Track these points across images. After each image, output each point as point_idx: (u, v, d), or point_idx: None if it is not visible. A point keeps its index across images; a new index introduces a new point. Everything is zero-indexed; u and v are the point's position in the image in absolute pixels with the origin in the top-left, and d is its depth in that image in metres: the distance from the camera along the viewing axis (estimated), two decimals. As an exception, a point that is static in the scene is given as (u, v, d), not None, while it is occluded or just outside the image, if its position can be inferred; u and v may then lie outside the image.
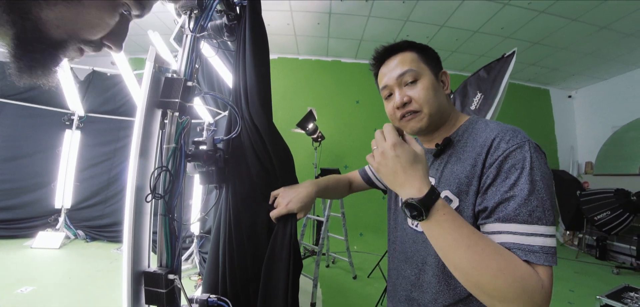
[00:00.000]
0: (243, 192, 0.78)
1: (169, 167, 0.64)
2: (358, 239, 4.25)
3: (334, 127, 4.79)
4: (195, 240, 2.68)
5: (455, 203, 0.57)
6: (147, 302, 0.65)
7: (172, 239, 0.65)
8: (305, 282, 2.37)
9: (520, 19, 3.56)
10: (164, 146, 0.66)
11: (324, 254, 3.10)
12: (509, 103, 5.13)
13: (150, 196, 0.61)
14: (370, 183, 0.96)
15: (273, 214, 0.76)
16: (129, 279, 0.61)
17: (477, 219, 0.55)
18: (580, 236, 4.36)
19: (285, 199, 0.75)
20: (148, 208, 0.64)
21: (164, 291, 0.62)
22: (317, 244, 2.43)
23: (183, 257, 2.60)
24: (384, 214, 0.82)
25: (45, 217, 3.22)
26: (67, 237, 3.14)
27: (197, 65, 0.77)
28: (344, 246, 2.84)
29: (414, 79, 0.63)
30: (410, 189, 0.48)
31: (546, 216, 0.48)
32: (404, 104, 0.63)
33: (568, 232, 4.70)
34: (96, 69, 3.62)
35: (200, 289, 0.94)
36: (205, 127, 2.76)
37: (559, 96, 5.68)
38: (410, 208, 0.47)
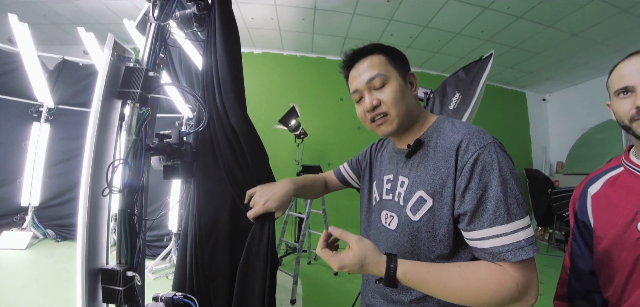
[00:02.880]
0: (207, 187, 0.76)
1: (129, 160, 0.62)
2: (341, 236, 4.28)
3: (318, 124, 4.78)
4: (173, 238, 2.60)
5: (429, 203, 0.59)
6: (104, 300, 0.63)
7: (133, 235, 0.62)
8: (285, 279, 2.37)
9: (500, 23, 3.69)
10: (124, 138, 0.63)
11: (304, 251, 3.11)
12: (488, 104, 5.32)
13: (107, 190, 0.58)
14: (345, 183, 0.98)
15: (250, 213, 0.74)
16: (83, 276, 0.58)
17: (456, 221, 0.57)
18: (551, 231, 4.62)
19: (262, 198, 0.73)
20: (106, 203, 0.61)
21: (121, 288, 0.59)
22: (298, 241, 2.43)
23: (160, 256, 2.52)
24: (366, 211, 0.84)
25: (11, 216, 3.02)
26: (35, 237, 2.96)
27: (162, 55, 0.74)
28: (326, 242, 2.85)
29: (382, 83, 0.64)
30: (381, 268, 0.54)
31: (521, 209, 0.52)
32: (374, 108, 0.64)
33: (540, 228, 4.96)
34: (67, 58, 3.42)
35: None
36: (184, 121, 2.68)
37: (534, 99, 5.95)
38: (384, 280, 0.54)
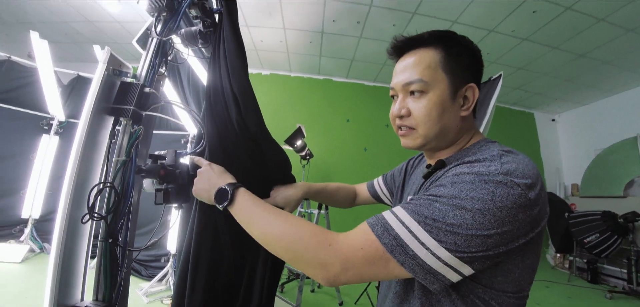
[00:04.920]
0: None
1: (116, 182, 0.56)
2: (346, 260, 4.10)
3: (324, 145, 4.74)
4: (171, 259, 2.51)
5: None
6: (77, 343, 0.55)
7: (113, 268, 0.55)
8: (287, 308, 2.23)
9: (505, 45, 3.68)
10: (113, 159, 0.58)
11: (308, 278, 2.96)
12: (497, 125, 5.22)
13: (87, 216, 0.52)
14: (376, 197, 0.91)
15: None
16: (54, 316, 0.51)
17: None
18: (571, 258, 4.33)
19: (274, 193, 0.81)
20: (86, 230, 0.55)
21: (96, 331, 0.52)
22: (301, 265, 2.32)
23: (156, 278, 2.42)
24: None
25: (10, 228, 2.99)
26: (32, 251, 2.90)
27: (162, 71, 0.70)
28: (331, 267, 2.71)
29: (421, 91, 0.52)
30: (221, 183, 0.58)
31: (439, 231, 0.39)
32: (402, 116, 0.55)
33: (558, 255, 4.69)
34: (81, 73, 3.52)
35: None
36: (189, 140, 2.66)
37: (543, 119, 5.84)
38: (220, 195, 0.57)
